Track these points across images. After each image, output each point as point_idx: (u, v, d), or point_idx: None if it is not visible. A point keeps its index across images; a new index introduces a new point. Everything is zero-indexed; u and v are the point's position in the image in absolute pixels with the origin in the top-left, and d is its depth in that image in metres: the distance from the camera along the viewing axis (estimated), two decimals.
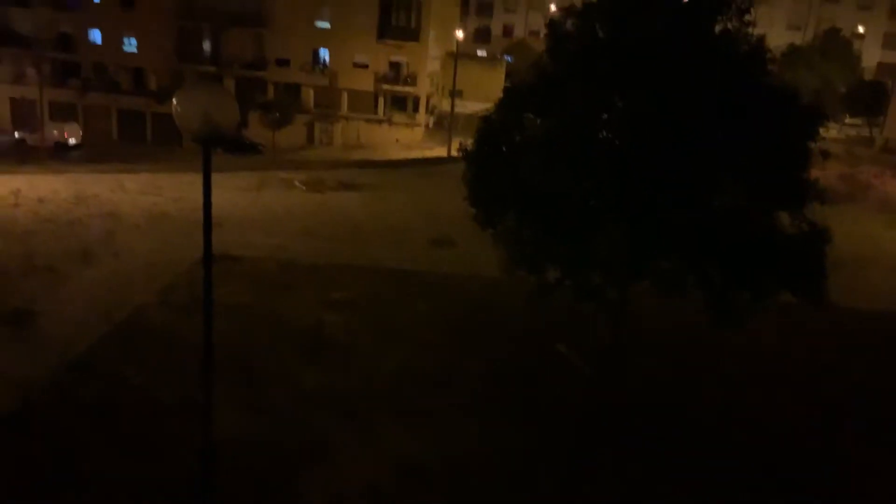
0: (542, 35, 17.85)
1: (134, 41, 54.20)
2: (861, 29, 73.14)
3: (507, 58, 68.04)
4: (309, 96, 53.87)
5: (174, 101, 7.73)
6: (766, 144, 13.93)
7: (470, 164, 16.34)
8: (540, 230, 15.18)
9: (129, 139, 52.61)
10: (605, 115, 15.33)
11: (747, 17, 14.68)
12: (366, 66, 53.29)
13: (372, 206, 32.39)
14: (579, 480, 12.91)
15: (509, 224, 15.89)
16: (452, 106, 49.69)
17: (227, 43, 52.75)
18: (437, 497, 12.09)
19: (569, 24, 15.54)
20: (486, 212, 16.06)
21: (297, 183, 36.19)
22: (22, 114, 52.76)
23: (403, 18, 52.66)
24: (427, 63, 54.06)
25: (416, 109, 54.38)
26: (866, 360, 18.69)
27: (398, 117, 54.20)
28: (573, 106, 14.76)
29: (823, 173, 15.97)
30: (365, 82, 53.48)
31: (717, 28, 14.76)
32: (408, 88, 53.52)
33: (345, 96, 53.93)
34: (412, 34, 52.46)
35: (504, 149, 15.93)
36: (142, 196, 32.01)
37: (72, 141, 48.88)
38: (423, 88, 53.95)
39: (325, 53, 53.61)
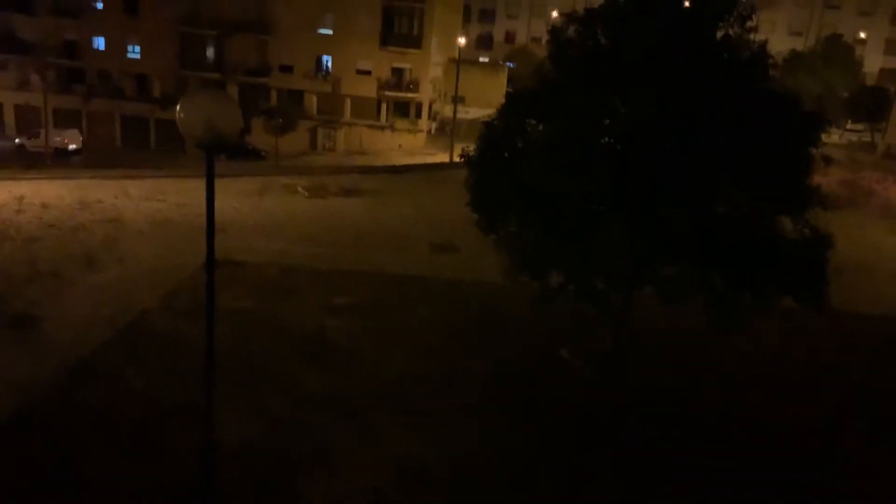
0: (543, 41, 17.97)
1: (138, 48, 54.49)
2: (863, 35, 73.27)
3: (509, 64, 68.24)
4: (312, 102, 54.07)
5: (178, 107, 7.80)
6: (768, 150, 13.97)
7: (472, 169, 16.40)
8: (542, 235, 15.21)
9: (133, 145, 52.82)
10: (607, 121, 15.38)
11: (749, 24, 14.76)
12: (369, 73, 53.51)
13: (374, 212, 32.46)
14: (580, 481, 12.94)
15: (512, 229, 15.93)
16: (455, 112, 49.85)
17: (231, 49, 52.97)
18: (439, 498, 12.11)
19: (571, 30, 15.59)
20: (489, 217, 16.10)
21: (299, 188, 36.28)
22: (27, 120, 53.03)
23: (406, 25, 52.91)
24: (429, 69, 54.25)
25: (418, 115, 54.55)
26: (866, 362, 18.72)
27: (401, 123, 54.36)
28: (575, 111, 14.81)
29: (825, 179, 16.01)
30: (368, 89, 53.68)
31: (719, 34, 14.82)
32: (410, 95, 53.71)
33: (348, 102, 54.12)
34: (415, 41, 52.69)
35: (506, 154, 15.98)
36: (145, 202, 32.10)
37: (71, 147, 49.37)
38: (425, 94, 54.13)
39: (328, 60, 53.85)
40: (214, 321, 8.73)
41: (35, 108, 50.36)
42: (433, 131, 57.53)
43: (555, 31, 15.84)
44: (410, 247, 26.37)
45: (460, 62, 51.91)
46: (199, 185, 9.33)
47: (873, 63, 72.91)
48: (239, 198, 32.39)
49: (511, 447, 13.66)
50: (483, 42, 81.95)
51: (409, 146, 53.55)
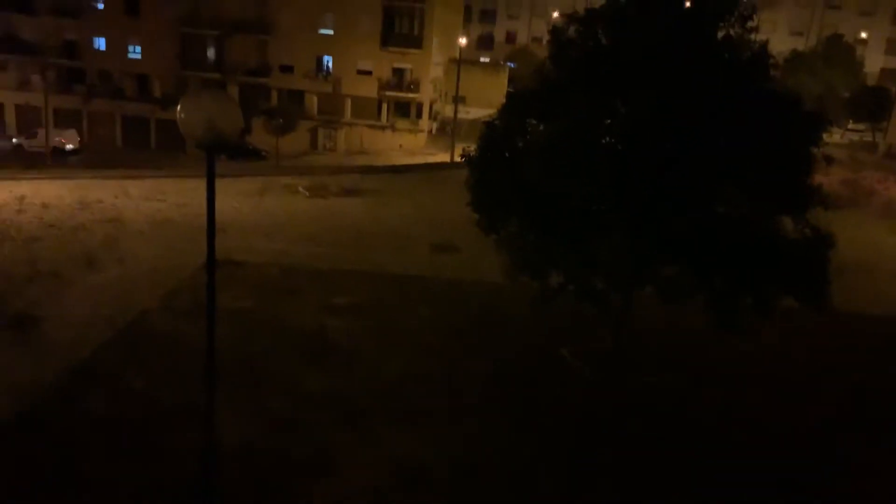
0: (544, 41, 17.99)
1: (138, 48, 54.49)
2: (864, 35, 73.21)
3: (510, 64, 68.18)
4: (312, 103, 54.05)
5: (178, 107, 7.79)
6: (769, 150, 13.96)
7: (473, 169, 16.40)
8: (542, 235, 15.21)
9: (134, 145, 52.83)
10: (608, 121, 15.38)
11: (750, 24, 14.75)
12: (369, 73, 53.49)
13: (375, 212, 32.45)
14: (580, 481, 12.93)
15: (512, 229, 15.93)
16: (455, 112, 49.83)
17: (231, 50, 52.97)
18: (439, 498, 12.10)
19: (571, 30, 15.59)
20: (489, 217, 16.10)
21: (300, 188, 36.27)
22: (27, 120, 53.05)
23: (407, 25, 52.90)
24: (430, 69, 54.23)
25: (419, 115, 54.53)
26: (867, 362, 18.70)
27: (401, 123, 54.35)
28: (576, 111, 14.81)
29: (826, 179, 16.00)
30: (368, 89, 53.66)
31: (720, 34, 14.82)
32: (411, 95, 53.69)
33: (348, 102, 54.10)
34: (415, 41, 52.67)
35: (507, 154, 15.98)
36: (146, 202, 32.10)
37: (69, 147, 49.46)
38: (426, 95, 54.11)
39: (328, 60, 53.81)
40: (215, 321, 8.72)
41: (36, 108, 50.40)
42: (434, 131, 57.51)
43: (555, 31, 15.84)
44: (411, 247, 26.36)
45: (461, 62, 51.86)
46: (199, 185, 9.33)
47: (874, 63, 72.84)
48: (239, 198, 32.39)
49: (511, 447, 13.66)
50: (484, 42, 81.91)
51: (410, 146, 53.53)
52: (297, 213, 31.41)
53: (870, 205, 37.28)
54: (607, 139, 15.30)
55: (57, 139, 48.64)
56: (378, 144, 53.67)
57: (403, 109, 54.43)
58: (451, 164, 41.29)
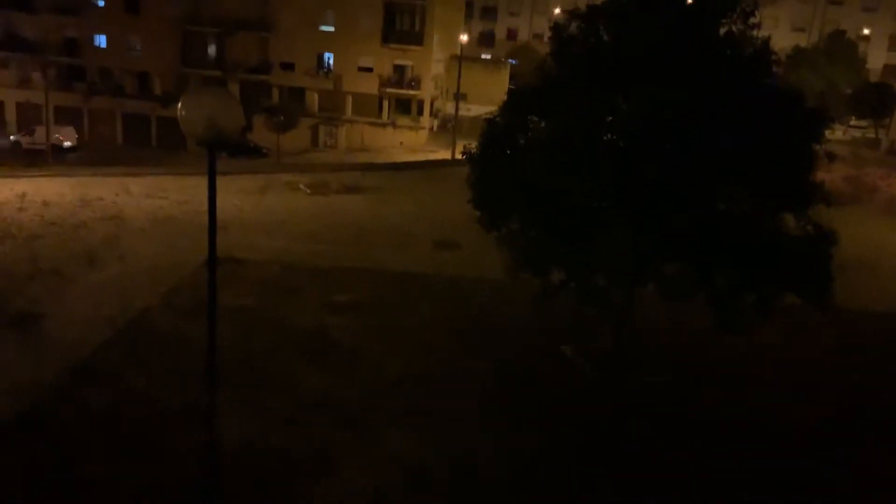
0: (546, 38, 17.89)
1: (139, 45, 54.43)
2: (866, 31, 73.01)
3: (511, 61, 68.07)
4: (313, 100, 53.99)
5: (179, 105, 7.74)
6: (771, 146, 13.90)
7: (474, 166, 16.36)
8: (544, 232, 15.17)
9: (134, 143, 52.77)
10: (610, 118, 15.32)
11: (751, 20, 14.69)
12: (370, 70, 53.40)
13: (376, 209, 32.41)
14: (580, 480, 12.90)
15: (513, 226, 15.89)
16: (457, 109, 49.74)
17: (232, 47, 52.88)
18: (439, 498, 12.07)
19: (573, 27, 15.54)
20: (491, 214, 16.06)
21: (301, 186, 36.23)
22: (28, 117, 53.01)
23: (407, 22, 52.79)
24: (431, 67, 54.14)
25: (420, 113, 54.45)
26: (868, 360, 18.64)
27: (402, 120, 54.28)
28: (577, 108, 14.77)
29: (829, 175, 15.96)
30: (369, 86, 53.58)
31: (722, 30, 14.76)
32: (412, 92, 53.61)
33: (349, 100, 54.03)
34: (416, 38, 52.57)
35: (508, 151, 15.94)
36: (147, 199, 32.08)
37: (66, 143, 49.36)
38: (427, 92, 54.03)
39: (329, 57, 53.73)
40: (216, 320, 8.67)
41: (36, 105, 50.32)
42: (435, 128, 57.45)
43: (557, 27, 15.78)
44: (412, 244, 26.32)
45: (462, 59, 51.76)
46: (200, 183, 9.30)
47: (877, 59, 72.68)
48: (240, 195, 32.34)
49: (511, 447, 13.62)
50: (485, 39, 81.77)
51: (411, 143, 53.46)
52: (298, 211, 31.38)
53: (872, 202, 37.19)
54: (609, 136, 15.24)
55: (55, 136, 48.59)
56: (379, 141, 53.60)
57: (404, 106, 54.35)
58: (453, 162, 41.20)
